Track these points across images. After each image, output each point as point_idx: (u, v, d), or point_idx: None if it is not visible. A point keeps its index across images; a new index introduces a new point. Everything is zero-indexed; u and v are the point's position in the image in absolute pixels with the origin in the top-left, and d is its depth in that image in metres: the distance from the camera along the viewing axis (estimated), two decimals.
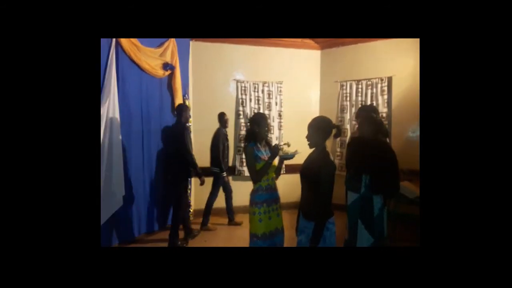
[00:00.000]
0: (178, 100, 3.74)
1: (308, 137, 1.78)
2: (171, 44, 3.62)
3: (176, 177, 3.16)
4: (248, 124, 2.17)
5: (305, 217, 1.76)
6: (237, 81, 4.32)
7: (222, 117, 3.81)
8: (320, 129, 1.76)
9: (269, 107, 4.41)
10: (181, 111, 3.24)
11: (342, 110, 4.32)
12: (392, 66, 3.97)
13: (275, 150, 2.05)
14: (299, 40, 4.47)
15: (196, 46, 4.14)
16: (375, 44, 4.12)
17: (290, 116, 4.48)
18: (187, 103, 3.93)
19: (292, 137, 4.47)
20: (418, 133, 3.84)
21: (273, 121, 4.43)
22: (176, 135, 3.11)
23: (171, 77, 3.70)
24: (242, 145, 4.01)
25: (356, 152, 2.25)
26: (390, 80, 3.98)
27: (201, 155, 4.14)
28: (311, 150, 1.83)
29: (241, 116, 4.29)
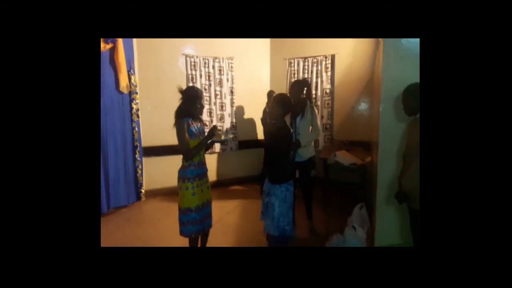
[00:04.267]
0: (123, 76, 3.52)
1: (269, 111, 2.07)
2: None
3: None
4: (181, 98, 2.08)
5: (270, 181, 2.04)
6: (186, 56, 4.18)
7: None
8: (280, 104, 2.01)
9: (220, 83, 4.40)
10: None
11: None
12: (335, 44, 4.23)
13: (213, 131, 2.07)
14: None
15: None
16: None
17: (241, 93, 4.54)
18: (132, 79, 3.71)
19: (243, 113, 4.61)
20: (358, 106, 4.25)
21: (225, 97, 4.45)
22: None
23: (113, 51, 3.43)
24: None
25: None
26: (333, 57, 4.25)
27: (151, 133, 4.01)
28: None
29: None
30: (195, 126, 2.10)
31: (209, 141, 2.16)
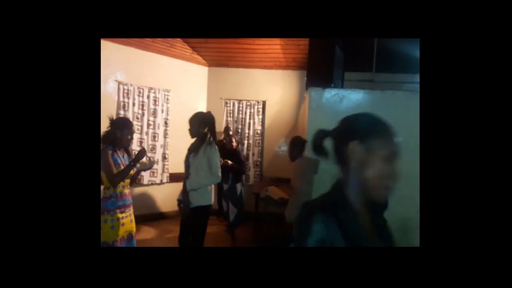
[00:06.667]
0: None
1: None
2: None
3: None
4: (109, 126, 2.03)
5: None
6: (119, 83, 4.02)
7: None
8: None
9: (154, 113, 4.32)
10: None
11: (227, 124, 4.79)
12: (266, 92, 4.81)
13: (142, 153, 2.02)
14: (188, 53, 4.68)
15: None
16: (253, 71, 4.87)
17: (176, 125, 4.54)
18: None
19: (178, 145, 4.57)
20: (283, 147, 4.78)
21: (159, 128, 4.36)
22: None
23: None
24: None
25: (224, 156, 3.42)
26: (264, 103, 4.79)
27: None
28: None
29: None
30: (120, 155, 2.06)
31: (136, 169, 2.10)
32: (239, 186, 3.84)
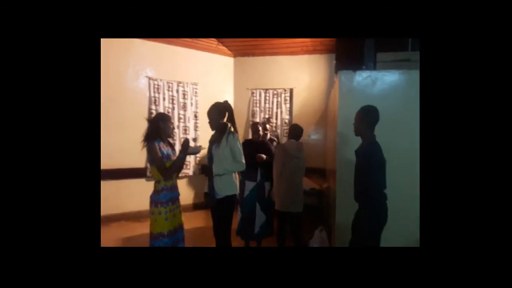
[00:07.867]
0: None
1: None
2: None
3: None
4: (151, 122, 2.14)
5: None
6: (150, 79, 4.17)
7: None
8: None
9: (184, 107, 4.43)
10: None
11: (253, 114, 4.77)
12: (293, 79, 4.67)
13: (186, 142, 2.09)
14: (214, 44, 4.68)
15: None
16: (280, 58, 4.75)
17: (205, 118, 4.61)
18: None
19: (208, 137, 4.66)
20: (313, 136, 4.66)
21: (189, 121, 4.48)
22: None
23: None
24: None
25: (252, 150, 2.90)
26: (291, 91, 4.67)
27: (109, 155, 3.76)
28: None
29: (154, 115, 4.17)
30: (165, 148, 2.13)
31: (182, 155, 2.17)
32: (267, 186, 2.99)
